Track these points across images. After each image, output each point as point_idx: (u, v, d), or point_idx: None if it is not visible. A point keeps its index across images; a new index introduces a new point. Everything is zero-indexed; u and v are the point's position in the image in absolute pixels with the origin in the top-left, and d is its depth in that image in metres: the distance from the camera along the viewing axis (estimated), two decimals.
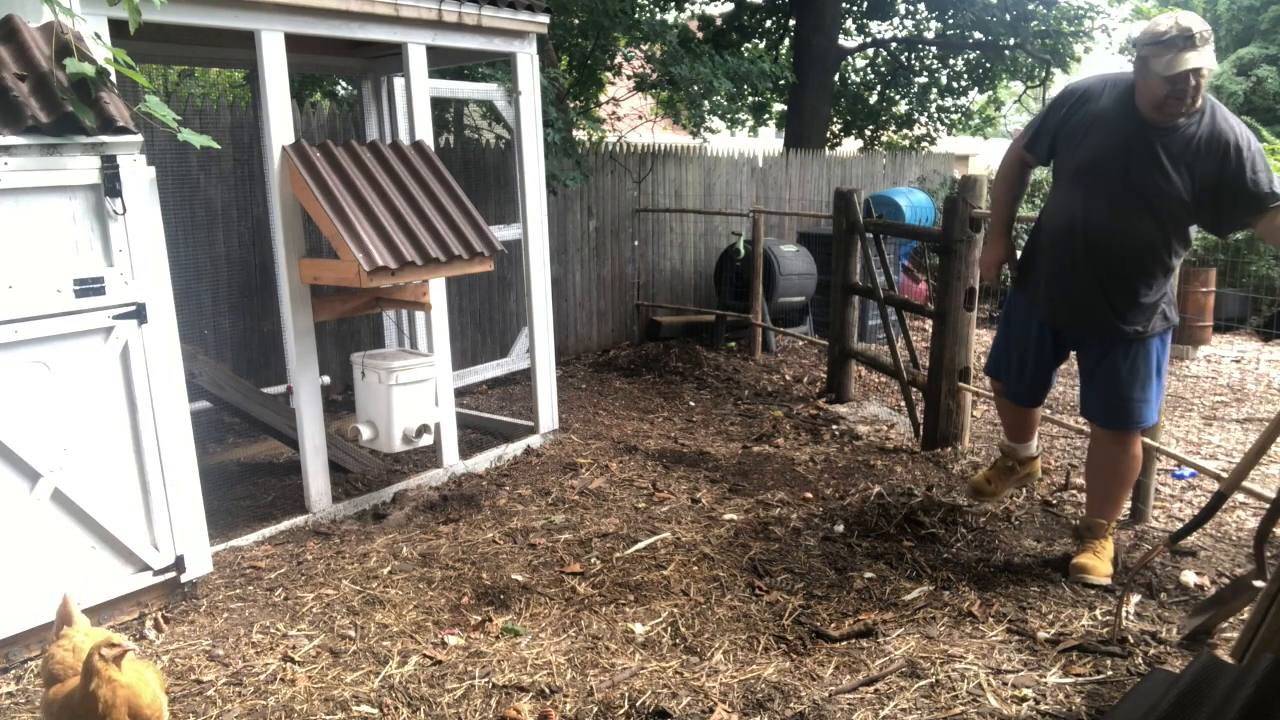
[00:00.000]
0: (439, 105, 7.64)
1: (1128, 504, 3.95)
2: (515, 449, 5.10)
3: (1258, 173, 2.93)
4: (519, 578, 3.49)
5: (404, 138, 5.32)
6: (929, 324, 5.37)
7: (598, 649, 2.95)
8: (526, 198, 5.07)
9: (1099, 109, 3.12)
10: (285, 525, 4.03)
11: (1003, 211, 3.58)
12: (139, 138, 2.99)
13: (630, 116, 9.15)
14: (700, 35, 12.85)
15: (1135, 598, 3.20)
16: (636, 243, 8.39)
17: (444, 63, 5.38)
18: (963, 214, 4.71)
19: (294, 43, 3.93)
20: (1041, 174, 10.18)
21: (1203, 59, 2.84)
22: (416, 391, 4.25)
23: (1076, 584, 3.30)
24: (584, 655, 2.91)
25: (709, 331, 8.23)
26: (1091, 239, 3.16)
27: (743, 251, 7.78)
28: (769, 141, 20.07)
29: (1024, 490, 4.24)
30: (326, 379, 5.23)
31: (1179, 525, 3.86)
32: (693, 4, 13.62)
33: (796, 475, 4.61)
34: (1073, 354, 3.49)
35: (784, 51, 13.88)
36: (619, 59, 8.77)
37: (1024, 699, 2.62)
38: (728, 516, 4.06)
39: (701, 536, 3.83)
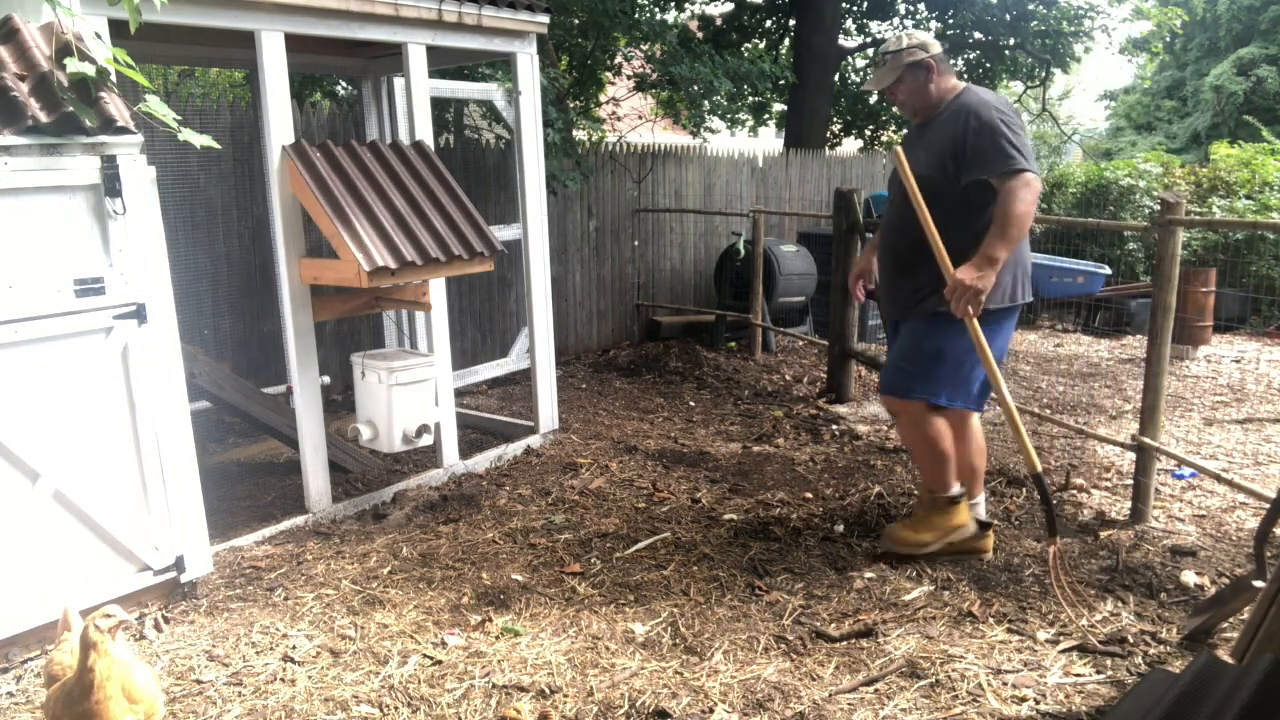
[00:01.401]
0: (439, 105, 7.63)
1: (1076, 497, 3.95)
2: (515, 449, 5.10)
3: (993, 140, 3.13)
4: (519, 578, 3.49)
5: (404, 138, 5.32)
6: None
7: (598, 649, 2.95)
8: (526, 198, 5.07)
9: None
10: (285, 525, 4.03)
11: None
12: (139, 138, 2.99)
13: (630, 116, 9.14)
14: (700, 35, 12.83)
15: (1118, 601, 3.21)
16: (636, 243, 8.39)
17: (444, 63, 5.37)
18: None
19: (294, 43, 3.94)
20: (1046, 186, 10.20)
21: (875, 80, 3.45)
22: (416, 391, 4.25)
23: (883, 549, 3.55)
24: (584, 655, 2.91)
25: (709, 331, 8.23)
26: (884, 229, 3.58)
27: (743, 251, 7.77)
28: (769, 141, 20.06)
29: (1022, 492, 4.24)
30: (326, 379, 5.23)
31: (1178, 525, 3.86)
32: (693, 4, 13.60)
33: (796, 475, 4.61)
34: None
35: (784, 51, 13.87)
36: (619, 59, 8.75)
37: (1024, 699, 2.62)
38: (728, 516, 4.06)
39: (701, 536, 3.83)
